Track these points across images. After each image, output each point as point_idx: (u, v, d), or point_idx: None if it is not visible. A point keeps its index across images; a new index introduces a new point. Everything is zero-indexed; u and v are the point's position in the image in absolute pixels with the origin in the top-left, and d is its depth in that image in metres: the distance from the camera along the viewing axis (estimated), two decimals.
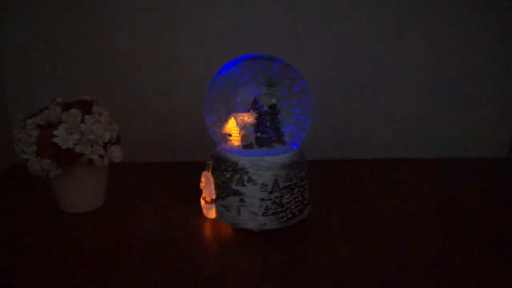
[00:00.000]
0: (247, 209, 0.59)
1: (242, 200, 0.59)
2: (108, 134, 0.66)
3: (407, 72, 0.93)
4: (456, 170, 0.90)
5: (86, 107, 0.66)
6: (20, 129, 0.64)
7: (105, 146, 0.67)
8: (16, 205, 0.73)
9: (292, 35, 0.90)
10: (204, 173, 0.64)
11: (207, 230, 0.64)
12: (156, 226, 0.65)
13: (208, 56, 0.89)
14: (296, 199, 0.61)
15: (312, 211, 0.67)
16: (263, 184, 0.58)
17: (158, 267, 0.54)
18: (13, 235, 0.63)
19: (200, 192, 0.67)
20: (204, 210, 0.66)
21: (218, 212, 0.63)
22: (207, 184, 0.64)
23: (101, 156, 0.66)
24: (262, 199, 0.59)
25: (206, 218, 0.66)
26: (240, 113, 0.60)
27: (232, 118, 0.61)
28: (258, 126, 0.60)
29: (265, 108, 0.59)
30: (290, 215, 0.61)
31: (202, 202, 0.66)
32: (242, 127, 0.60)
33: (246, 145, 0.60)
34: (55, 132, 0.62)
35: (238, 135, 0.61)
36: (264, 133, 0.60)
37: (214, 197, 0.62)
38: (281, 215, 0.60)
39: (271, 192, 0.59)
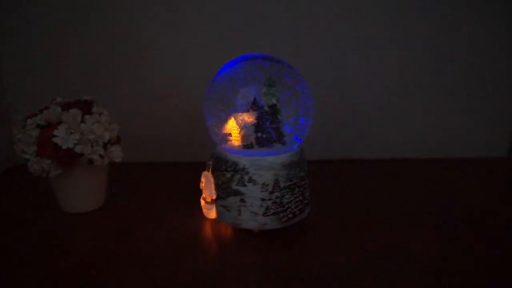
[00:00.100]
0: (247, 209, 0.59)
1: (242, 200, 0.59)
2: (108, 134, 0.66)
3: (407, 72, 0.93)
4: (456, 170, 0.91)
5: (86, 107, 0.66)
6: (20, 129, 0.64)
7: (105, 146, 0.67)
8: (16, 205, 0.73)
9: (292, 35, 0.90)
10: (204, 173, 0.64)
11: (207, 230, 0.64)
12: (156, 226, 0.65)
13: (208, 56, 0.89)
14: (297, 199, 0.61)
15: (312, 211, 0.67)
16: (263, 184, 0.58)
17: (158, 267, 0.54)
18: (13, 235, 0.63)
19: (200, 192, 0.67)
20: (204, 210, 0.66)
21: (218, 212, 0.63)
22: (207, 185, 0.64)
23: (101, 156, 0.66)
24: (263, 199, 0.59)
25: (206, 218, 0.66)
26: (240, 113, 0.60)
27: (232, 118, 0.61)
28: (258, 126, 0.60)
29: (265, 108, 0.59)
30: (290, 215, 0.61)
31: (202, 202, 0.66)
32: (242, 127, 0.60)
33: (246, 145, 0.60)
34: (55, 132, 0.62)
35: (238, 135, 0.61)
36: (264, 133, 0.60)
37: (214, 197, 0.62)
38: (281, 215, 0.60)
39: (271, 192, 0.59)
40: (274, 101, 0.60)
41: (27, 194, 0.77)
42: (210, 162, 0.64)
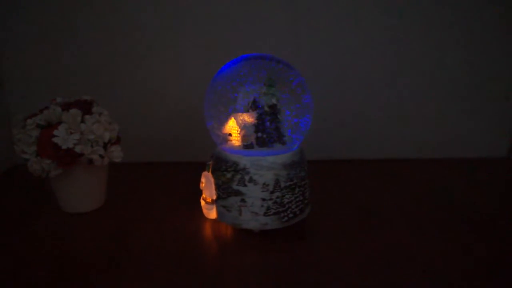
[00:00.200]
0: (248, 209, 0.59)
1: (243, 200, 0.59)
2: (108, 134, 0.66)
3: (407, 72, 0.93)
4: (456, 170, 0.91)
5: (86, 107, 0.66)
6: (20, 129, 0.64)
7: (105, 146, 0.67)
8: (16, 205, 0.73)
9: (292, 35, 0.90)
10: (204, 173, 0.64)
11: (207, 230, 0.64)
12: (156, 226, 0.65)
13: (208, 56, 0.89)
14: (297, 199, 0.61)
15: (312, 211, 0.67)
16: (264, 184, 0.58)
17: (158, 267, 0.54)
18: (13, 235, 0.63)
19: (200, 192, 0.67)
20: (205, 211, 0.66)
21: (219, 213, 0.63)
22: (207, 185, 0.63)
23: (101, 156, 0.66)
24: (264, 199, 0.59)
25: (206, 219, 0.66)
26: (240, 113, 0.60)
27: (233, 118, 0.61)
28: (258, 126, 0.60)
29: (265, 108, 0.59)
30: (291, 215, 0.61)
31: (203, 202, 0.66)
32: (243, 127, 0.60)
33: (246, 145, 0.60)
34: (55, 132, 0.62)
35: (239, 135, 0.61)
36: (264, 133, 0.60)
37: (214, 197, 0.62)
38: (282, 215, 0.60)
39: (272, 192, 0.59)
40: (274, 101, 0.60)
41: (27, 194, 0.77)
42: (210, 162, 0.64)
